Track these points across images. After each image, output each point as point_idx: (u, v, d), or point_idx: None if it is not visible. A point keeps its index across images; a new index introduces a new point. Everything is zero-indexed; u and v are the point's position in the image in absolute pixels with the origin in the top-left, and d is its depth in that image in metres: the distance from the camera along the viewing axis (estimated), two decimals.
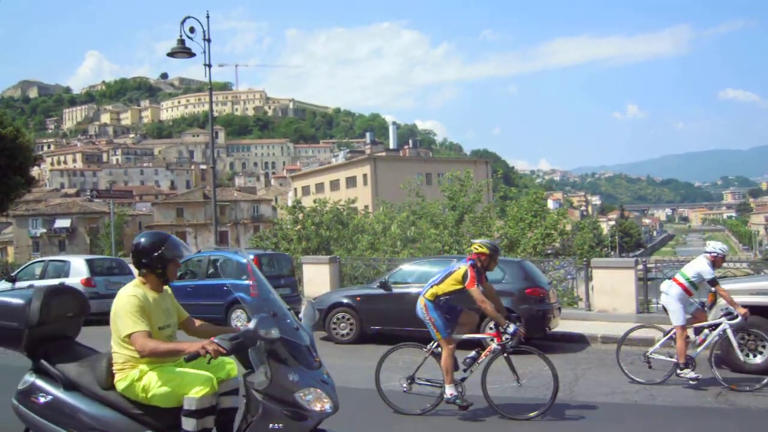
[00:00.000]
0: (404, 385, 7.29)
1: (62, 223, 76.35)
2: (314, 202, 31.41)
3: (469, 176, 27.94)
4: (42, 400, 4.27)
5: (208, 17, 19.15)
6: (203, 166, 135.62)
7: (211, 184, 22.65)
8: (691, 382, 8.29)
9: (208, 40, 18.84)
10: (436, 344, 7.26)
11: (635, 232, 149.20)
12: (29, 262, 19.81)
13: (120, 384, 4.17)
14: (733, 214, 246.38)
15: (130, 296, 4.21)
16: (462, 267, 7.41)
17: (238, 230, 76.92)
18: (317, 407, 3.91)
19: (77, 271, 17.23)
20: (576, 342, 11.98)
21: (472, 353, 7.20)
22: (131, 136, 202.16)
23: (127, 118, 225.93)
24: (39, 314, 4.43)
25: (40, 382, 4.35)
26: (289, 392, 3.90)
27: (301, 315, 4.41)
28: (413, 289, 12.19)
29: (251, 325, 4.01)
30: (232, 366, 4.47)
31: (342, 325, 12.51)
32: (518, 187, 61.75)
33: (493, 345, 7.09)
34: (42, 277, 17.50)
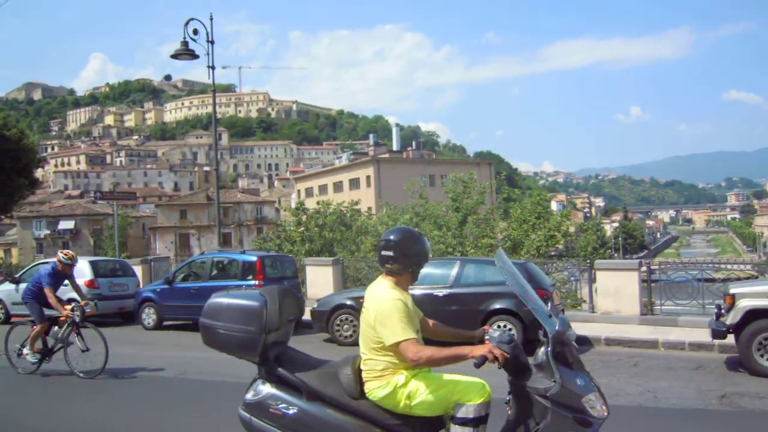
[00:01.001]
0: None
1: (66, 224, 76.47)
2: (317, 203, 31.40)
3: (472, 178, 27.90)
4: (286, 411, 3.96)
5: (211, 19, 19.17)
6: (207, 168, 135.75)
7: (214, 185, 22.65)
8: None
9: (212, 42, 18.85)
10: None
11: (639, 234, 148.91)
12: (33, 264, 19.85)
13: (378, 392, 3.88)
14: (737, 216, 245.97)
15: (395, 300, 3.89)
16: None
17: (241, 232, 76.91)
18: (599, 413, 3.75)
19: (81, 272, 17.17)
20: (579, 344, 11.95)
21: None
22: (135, 137, 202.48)
23: (130, 120, 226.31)
24: (277, 318, 4.14)
25: (279, 393, 4.02)
26: (577, 398, 3.71)
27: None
28: (416, 291, 12.21)
29: (557, 326, 3.83)
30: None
31: (345, 326, 12.52)
32: (521, 188, 61.78)
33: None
34: None
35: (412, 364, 3.81)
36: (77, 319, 9.62)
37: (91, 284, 16.89)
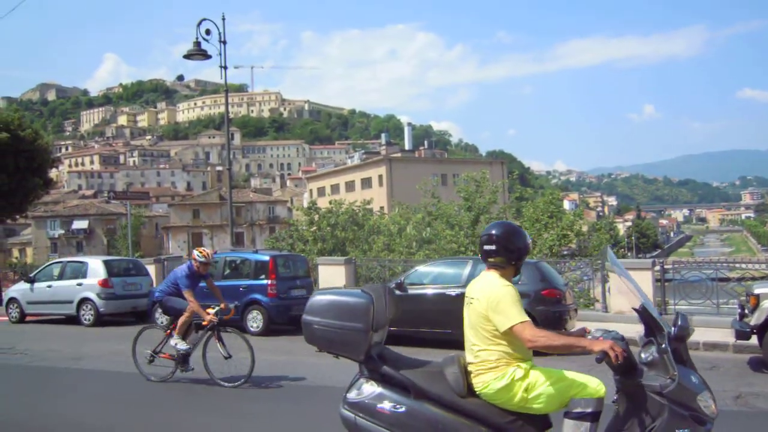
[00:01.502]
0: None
1: (80, 224, 77.03)
2: (330, 203, 31.43)
3: (485, 177, 27.86)
4: (394, 410, 3.87)
5: (223, 20, 19.24)
6: (219, 168, 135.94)
7: (227, 185, 22.73)
8: None
9: (224, 43, 18.92)
10: None
11: (652, 233, 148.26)
12: (47, 263, 20.00)
13: (495, 383, 3.83)
14: (752, 215, 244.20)
15: (506, 287, 3.89)
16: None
17: (254, 231, 77.15)
18: (712, 411, 3.72)
19: (95, 272, 17.38)
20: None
21: None
22: (148, 137, 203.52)
23: (143, 120, 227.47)
24: (384, 315, 4.10)
25: (386, 391, 3.94)
26: (693, 395, 3.70)
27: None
28: (429, 291, 12.20)
29: (680, 322, 3.82)
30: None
31: None
32: (534, 187, 61.69)
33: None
34: (60, 278, 17.68)
35: (528, 346, 3.78)
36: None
37: (104, 283, 17.01)
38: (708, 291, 14.05)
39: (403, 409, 3.86)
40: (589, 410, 3.75)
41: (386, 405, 3.89)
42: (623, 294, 14.06)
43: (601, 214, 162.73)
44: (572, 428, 3.76)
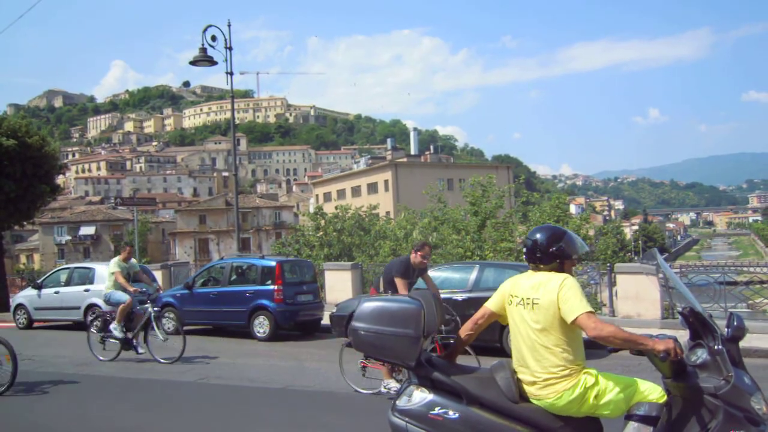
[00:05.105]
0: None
1: (87, 230, 77.28)
2: (336, 208, 31.47)
3: (491, 182, 27.85)
4: (447, 416, 3.81)
5: (229, 26, 19.27)
6: (225, 173, 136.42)
7: (233, 191, 22.76)
8: None
9: (230, 49, 18.96)
10: None
11: (659, 237, 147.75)
12: (55, 269, 20.02)
13: (567, 395, 3.77)
14: (759, 218, 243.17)
15: (569, 277, 3.89)
16: None
17: (260, 237, 77.23)
18: (764, 412, 3.68)
19: (102, 278, 17.38)
20: (600, 348, 11.85)
21: None
22: (154, 144, 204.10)
23: (150, 126, 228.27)
24: (434, 321, 4.06)
25: (439, 398, 3.88)
26: (746, 396, 3.67)
27: None
28: None
29: (736, 322, 3.80)
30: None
31: None
32: (540, 192, 61.54)
33: None
34: (67, 284, 17.72)
35: (592, 335, 3.71)
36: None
37: None
38: (716, 295, 13.97)
39: (456, 415, 3.81)
40: (654, 414, 3.76)
41: (440, 411, 3.84)
42: (630, 298, 14.04)
43: (607, 218, 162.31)
44: (636, 430, 3.75)
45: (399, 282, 8.51)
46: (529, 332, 3.93)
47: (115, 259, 11.92)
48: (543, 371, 3.85)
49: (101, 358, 11.32)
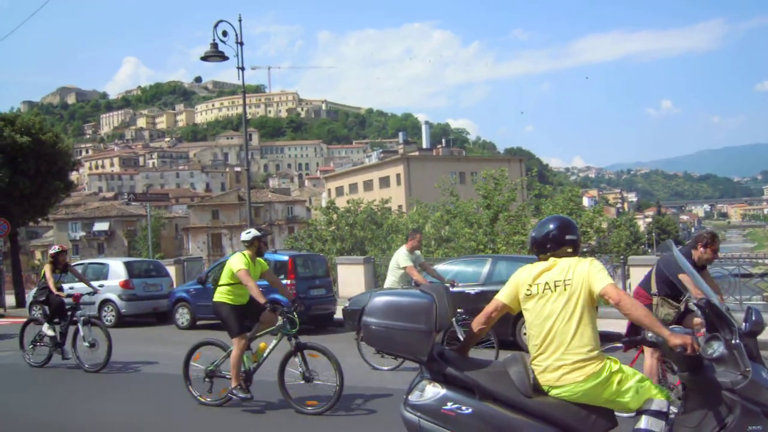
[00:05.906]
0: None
1: (101, 226, 77.79)
2: (348, 202, 31.51)
3: (503, 175, 27.77)
4: (460, 411, 3.78)
5: (240, 21, 19.25)
6: (238, 168, 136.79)
7: (245, 186, 22.80)
8: None
9: (241, 44, 18.95)
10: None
11: (673, 229, 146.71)
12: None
13: (593, 379, 3.76)
14: None
15: (590, 259, 4.03)
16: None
17: (272, 231, 77.44)
18: None
19: (116, 273, 17.53)
20: (614, 341, 11.81)
21: None
22: (167, 139, 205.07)
23: (162, 122, 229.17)
24: (446, 315, 4.06)
25: (452, 393, 3.85)
26: (764, 392, 3.64)
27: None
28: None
29: (754, 316, 3.79)
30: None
31: None
32: (553, 184, 61.34)
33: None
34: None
35: (614, 301, 3.77)
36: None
37: (126, 285, 17.16)
38: (730, 287, 13.87)
39: (469, 410, 3.78)
40: (665, 410, 3.77)
41: (452, 406, 3.81)
42: None
43: (620, 210, 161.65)
44: (651, 424, 3.74)
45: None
46: (558, 315, 3.92)
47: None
48: (572, 354, 3.84)
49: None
